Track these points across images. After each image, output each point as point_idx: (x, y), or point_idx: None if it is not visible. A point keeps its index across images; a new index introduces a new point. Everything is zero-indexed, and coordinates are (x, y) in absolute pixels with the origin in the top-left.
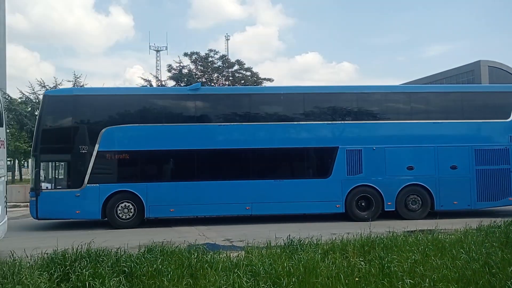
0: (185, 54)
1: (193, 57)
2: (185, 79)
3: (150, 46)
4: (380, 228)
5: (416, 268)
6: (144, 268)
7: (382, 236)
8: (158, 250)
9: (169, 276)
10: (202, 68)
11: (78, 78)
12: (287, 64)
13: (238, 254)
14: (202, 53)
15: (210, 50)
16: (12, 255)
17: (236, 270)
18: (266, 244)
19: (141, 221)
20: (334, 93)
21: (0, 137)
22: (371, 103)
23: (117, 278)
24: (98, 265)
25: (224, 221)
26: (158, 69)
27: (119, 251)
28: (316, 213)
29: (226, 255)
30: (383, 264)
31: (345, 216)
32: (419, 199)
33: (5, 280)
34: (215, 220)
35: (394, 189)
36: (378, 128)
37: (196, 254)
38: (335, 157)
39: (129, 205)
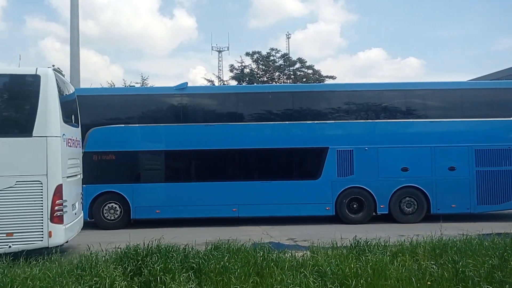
0: (247, 54)
1: (255, 56)
2: (247, 79)
3: (212, 47)
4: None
5: (494, 274)
6: (212, 265)
7: (454, 239)
8: (224, 247)
9: (236, 274)
10: (263, 67)
11: (145, 80)
12: (349, 61)
13: (304, 254)
14: (264, 52)
15: (272, 49)
16: (89, 249)
17: (302, 269)
18: (331, 244)
19: (127, 222)
20: (324, 92)
21: (76, 137)
22: (363, 101)
23: (186, 274)
24: (168, 261)
25: (288, 221)
26: (220, 69)
27: (187, 248)
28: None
29: (291, 254)
30: (457, 268)
31: (336, 219)
32: (414, 202)
33: (84, 272)
34: (279, 220)
35: (387, 191)
36: (371, 127)
37: (262, 253)
38: (325, 158)
39: (115, 206)
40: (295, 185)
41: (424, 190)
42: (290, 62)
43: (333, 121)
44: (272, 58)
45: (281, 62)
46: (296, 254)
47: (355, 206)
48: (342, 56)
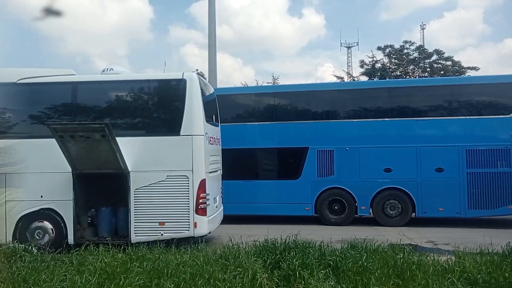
0: (378, 48)
1: (387, 50)
2: (378, 74)
3: (341, 43)
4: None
5: None
6: (349, 264)
7: None
8: (361, 246)
9: (376, 274)
10: (396, 61)
11: (276, 79)
12: (493, 49)
13: (448, 259)
14: (397, 46)
15: (405, 42)
16: (231, 240)
17: (448, 275)
18: (478, 250)
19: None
20: (304, 91)
21: (216, 136)
22: (344, 100)
23: (324, 271)
24: (305, 257)
25: (425, 223)
26: (349, 66)
27: (322, 245)
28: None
29: (434, 258)
30: None
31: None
32: (398, 204)
33: (227, 262)
34: (415, 221)
35: (369, 192)
36: (352, 127)
37: (402, 255)
38: (305, 158)
39: None
40: (275, 185)
41: (408, 192)
42: (426, 54)
43: (313, 121)
44: (405, 51)
45: (415, 54)
46: (439, 258)
47: (336, 207)
48: (485, 44)
